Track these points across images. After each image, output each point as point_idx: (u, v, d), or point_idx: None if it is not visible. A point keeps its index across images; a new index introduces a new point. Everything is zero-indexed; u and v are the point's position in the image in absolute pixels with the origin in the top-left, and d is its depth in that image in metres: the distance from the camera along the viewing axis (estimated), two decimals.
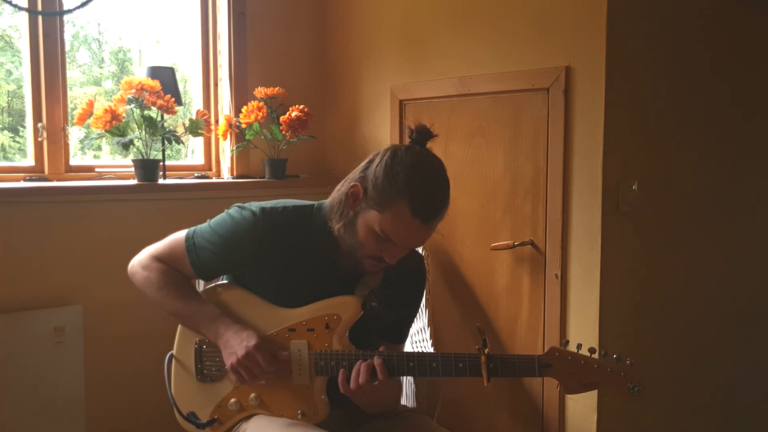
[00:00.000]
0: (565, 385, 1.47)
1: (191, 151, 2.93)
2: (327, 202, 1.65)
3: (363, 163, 1.58)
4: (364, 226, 1.52)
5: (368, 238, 1.53)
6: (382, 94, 2.75)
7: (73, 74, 2.64)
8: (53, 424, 2.22)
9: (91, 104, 2.32)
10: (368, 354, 1.56)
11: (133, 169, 2.44)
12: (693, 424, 2.59)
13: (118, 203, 2.39)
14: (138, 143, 2.38)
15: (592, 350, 1.46)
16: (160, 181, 2.47)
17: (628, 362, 1.45)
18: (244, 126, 2.65)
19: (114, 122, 2.31)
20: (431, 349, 2.23)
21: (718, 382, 2.66)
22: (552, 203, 2.23)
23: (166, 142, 2.47)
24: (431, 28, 2.57)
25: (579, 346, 1.47)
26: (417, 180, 1.48)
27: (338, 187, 1.61)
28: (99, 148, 2.75)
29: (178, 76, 2.70)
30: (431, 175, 1.52)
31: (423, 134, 1.55)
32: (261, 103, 2.64)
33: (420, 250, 2.28)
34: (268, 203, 1.66)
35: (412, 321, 1.80)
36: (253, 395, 1.64)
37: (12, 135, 2.54)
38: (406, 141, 1.58)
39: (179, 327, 1.73)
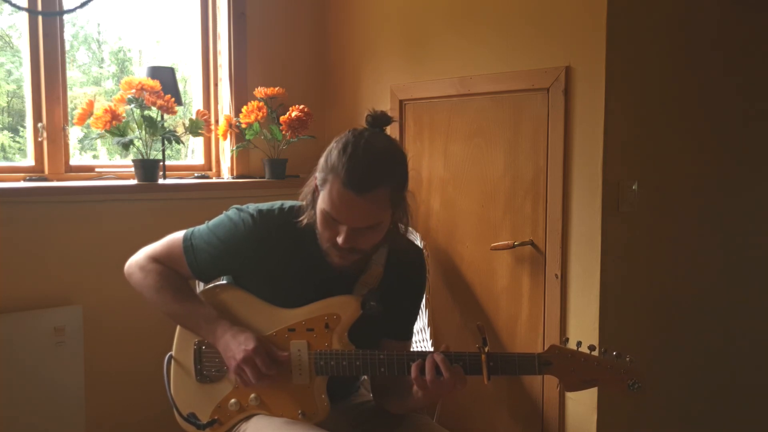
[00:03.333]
0: (566, 383, 1.48)
1: (191, 151, 2.93)
2: None
3: None
4: (318, 214, 1.53)
5: (321, 224, 1.52)
6: (382, 94, 2.75)
7: (73, 74, 2.64)
8: (53, 425, 2.22)
9: (91, 104, 2.32)
10: (368, 353, 1.56)
11: (133, 169, 2.44)
12: (692, 424, 2.59)
13: (118, 203, 2.39)
14: (138, 143, 2.39)
15: (591, 348, 1.46)
16: (160, 181, 2.47)
17: (627, 359, 1.45)
18: (244, 126, 2.65)
19: (114, 122, 2.31)
20: (431, 349, 2.23)
21: (717, 381, 2.66)
22: (552, 203, 2.23)
23: (166, 142, 2.47)
24: (431, 28, 2.57)
25: (579, 343, 1.47)
26: (348, 152, 1.45)
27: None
28: (95, 148, 2.75)
29: (178, 76, 2.70)
30: (366, 147, 1.47)
31: (377, 119, 1.53)
32: (261, 103, 2.64)
33: (419, 243, 2.28)
34: (264, 205, 1.66)
35: (416, 316, 1.79)
36: (253, 395, 1.64)
37: (12, 135, 2.54)
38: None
39: (178, 328, 1.73)
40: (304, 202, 1.60)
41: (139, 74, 2.62)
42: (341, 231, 1.50)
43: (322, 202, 1.50)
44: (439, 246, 2.56)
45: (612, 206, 2.14)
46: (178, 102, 2.50)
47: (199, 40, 2.79)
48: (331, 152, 1.50)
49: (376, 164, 1.47)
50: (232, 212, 1.66)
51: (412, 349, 1.86)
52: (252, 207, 1.65)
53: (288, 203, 1.67)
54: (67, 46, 2.48)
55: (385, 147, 1.51)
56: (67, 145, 2.42)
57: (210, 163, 2.84)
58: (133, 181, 2.43)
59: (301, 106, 2.67)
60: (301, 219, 1.58)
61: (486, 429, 2.48)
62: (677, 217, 2.42)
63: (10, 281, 2.18)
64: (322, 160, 1.52)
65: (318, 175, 1.52)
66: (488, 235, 2.41)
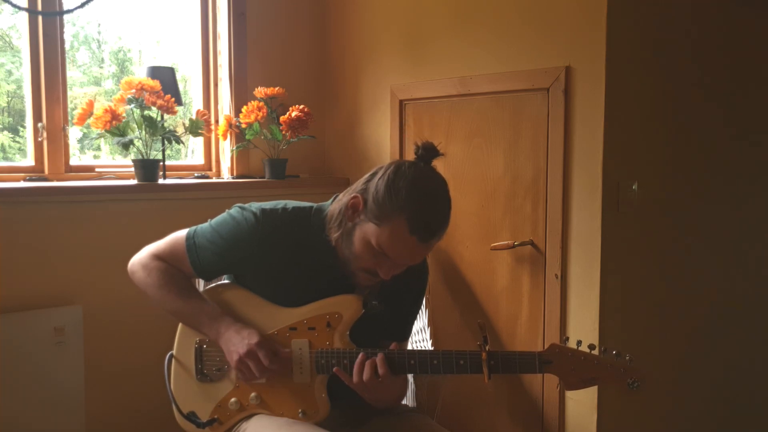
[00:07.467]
0: (566, 382, 1.48)
1: (191, 151, 2.93)
2: (326, 204, 1.65)
3: (366, 176, 1.57)
4: (360, 239, 1.52)
5: (364, 251, 1.53)
6: (382, 94, 2.75)
7: (73, 74, 2.64)
8: (53, 424, 2.21)
9: (91, 104, 2.32)
10: (370, 351, 1.56)
11: (133, 169, 2.44)
12: (693, 424, 2.59)
13: (118, 203, 2.39)
14: (138, 143, 2.39)
15: (591, 346, 1.47)
16: (160, 181, 2.47)
17: (627, 358, 1.46)
18: (244, 126, 2.65)
19: (114, 122, 2.31)
20: (431, 349, 2.23)
21: (718, 381, 2.66)
22: (552, 203, 2.23)
23: (166, 142, 2.47)
24: (431, 28, 2.57)
25: (579, 342, 1.47)
26: (417, 197, 1.47)
27: (340, 197, 1.62)
28: (98, 148, 2.75)
29: (178, 76, 2.70)
30: (433, 193, 1.51)
31: (429, 151, 1.54)
32: (261, 103, 2.65)
33: None
34: (268, 204, 1.67)
35: (415, 317, 1.80)
36: (253, 395, 1.64)
37: (12, 135, 2.54)
38: (411, 156, 1.57)
39: (179, 327, 1.73)
40: (333, 218, 1.58)
41: (139, 74, 2.62)
42: (387, 265, 1.53)
43: (373, 236, 1.49)
44: (439, 246, 2.55)
45: (612, 206, 2.14)
46: (178, 102, 2.50)
47: (199, 40, 2.79)
48: (393, 186, 1.47)
49: (442, 215, 1.51)
50: (234, 211, 1.67)
51: (409, 348, 1.86)
52: (255, 206, 1.66)
53: (291, 203, 1.67)
54: (67, 46, 2.48)
55: (445, 193, 1.53)
56: (67, 145, 2.42)
57: (210, 163, 2.84)
58: (133, 181, 2.43)
59: (301, 106, 2.68)
60: (334, 237, 1.56)
61: (486, 429, 2.48)
62: (677, 218, 2.42)
63: (10, 281, 2.18)
64: (378, 191, 1.48)
65: (371, 204, 1.50)
66: (488, 235, 2.41)
